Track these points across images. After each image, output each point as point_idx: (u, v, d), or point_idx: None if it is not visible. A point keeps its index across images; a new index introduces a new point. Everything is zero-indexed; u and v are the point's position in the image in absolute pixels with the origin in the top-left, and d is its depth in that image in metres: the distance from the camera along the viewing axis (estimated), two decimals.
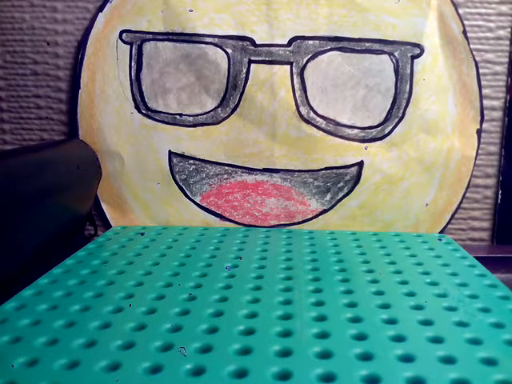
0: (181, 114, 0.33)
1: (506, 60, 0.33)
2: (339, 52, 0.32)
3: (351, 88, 0.32)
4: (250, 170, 0.33)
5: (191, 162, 0.33)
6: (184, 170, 0.34)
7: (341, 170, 0.33)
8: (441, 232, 0.34)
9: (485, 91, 0.33)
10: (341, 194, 0.33)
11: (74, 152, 0.32)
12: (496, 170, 0.34)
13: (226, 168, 0.33)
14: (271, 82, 0.32)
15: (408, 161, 0.33)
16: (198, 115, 0.33)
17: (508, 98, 0.34)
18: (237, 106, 0.33)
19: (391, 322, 0.20)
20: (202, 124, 0.33)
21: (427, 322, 0.20)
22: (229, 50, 0.32)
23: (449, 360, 0.17)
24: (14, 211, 0.23)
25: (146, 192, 0.34)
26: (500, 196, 0.35)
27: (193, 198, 0.34)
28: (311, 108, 0.32)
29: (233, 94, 0.32)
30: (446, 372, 0.16)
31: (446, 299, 0.22)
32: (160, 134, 0.33)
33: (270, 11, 0.32)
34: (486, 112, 0.33)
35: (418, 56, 0.32)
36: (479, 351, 0.17)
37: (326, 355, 0.17)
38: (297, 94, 0.32)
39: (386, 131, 0.33)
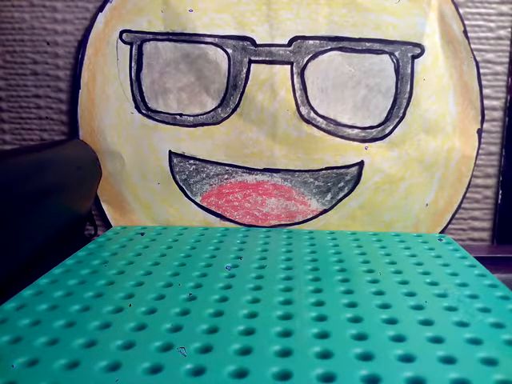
0: (181, 114, 0.33)
1: (507, 60, 0.33)
2: (340, 52, 0.32)
3: (352, 88, 0.32)
4: (251, 170, 0.33)
5: (191, 162, 0.33)
6: (184, 170, 0.34)
7: (341, 170, 0.33)
8: (441, 232, 0.34)
9: (485, 91, 0.33)
10: (341, 194, 0.33)
11: (74, 152, 0.32)
12: (496, 170, 0.34)
13: (227, 168, 0.33)
14: (271, 82, 0.32)
15: (408, 161, 0.33)
16: (198, 115, 0.33)
17: (508, 97, 0.33)
18: (237, 106, 0.33)
19: (391, 322, 0.20)
20: (203, 124, 0.33)
21: (427, 322, 0.20)
22: (229, 50, 0.32)
23: (449, 360, 0.17)
24: (14, 211, 0.23)
25: (146, 192, 0.34)
26: (500, 196, 0.35)
27: (193, 198, 0.34)
28: (311, 108, 0.32)
29: (233, 94, 0.32)
30: (446, 372, 0.16)
31: (445, 299, 0.22)
32: (160, 134, 0.33)
33: (271, 11, 0.32)
34: (486, 112, 0.33)
35: (419, 56, 0.32)
36: (479, 351, 0.17)
37: (326, 355, 0.17)
38: (297, 94, 0.32)
39: (387, 131, 0.33)
